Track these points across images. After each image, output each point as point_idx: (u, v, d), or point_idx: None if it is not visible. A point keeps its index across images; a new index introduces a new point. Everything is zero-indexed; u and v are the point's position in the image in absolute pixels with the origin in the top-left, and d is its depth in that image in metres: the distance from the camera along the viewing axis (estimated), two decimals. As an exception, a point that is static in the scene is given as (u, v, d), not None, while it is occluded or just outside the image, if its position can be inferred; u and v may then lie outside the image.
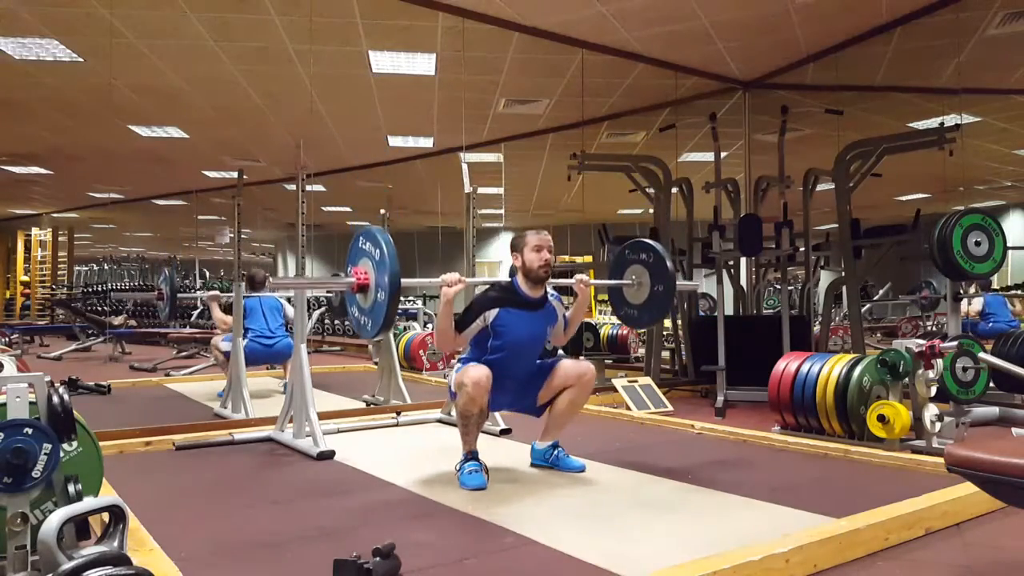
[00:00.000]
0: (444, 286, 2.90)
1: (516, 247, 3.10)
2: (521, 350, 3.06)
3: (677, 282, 3.31)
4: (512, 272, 3.14)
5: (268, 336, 5.45)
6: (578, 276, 3.19)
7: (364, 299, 2.82)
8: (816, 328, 6.03)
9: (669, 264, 3.28)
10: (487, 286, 3.14)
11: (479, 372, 2.87)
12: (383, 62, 6.52)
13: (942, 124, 5.20)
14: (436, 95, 7.47)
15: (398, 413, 4.35)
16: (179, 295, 5.61)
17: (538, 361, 3.16)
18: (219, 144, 9.76)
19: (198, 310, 11.86)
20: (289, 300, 5.58)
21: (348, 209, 15.49)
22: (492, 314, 3.00)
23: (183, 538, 2.23)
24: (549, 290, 3.17)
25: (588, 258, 13.10)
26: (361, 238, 2.86)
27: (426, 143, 9.63)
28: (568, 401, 3.13)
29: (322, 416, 3.74)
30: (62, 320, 13.23)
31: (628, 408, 4.70)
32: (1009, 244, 4.21)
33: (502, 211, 15.45)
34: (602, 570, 1.97)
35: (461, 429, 2.97)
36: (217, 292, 5.54)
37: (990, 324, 7.68)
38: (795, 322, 5.36)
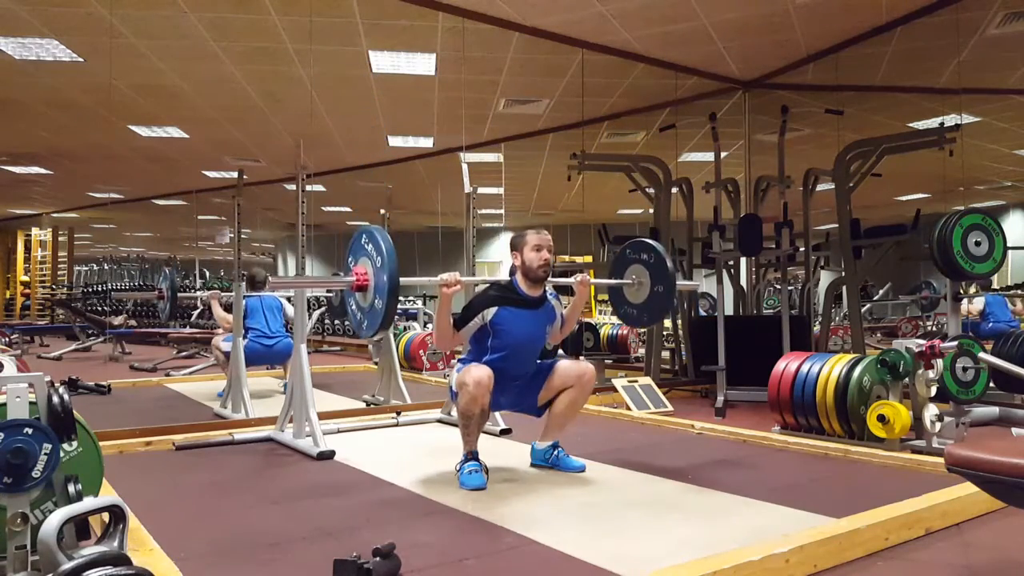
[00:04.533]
0: (443, 286, 2.91)
1: (516, 246, 3.11)
2: (521, 350, 3.06)
3: (677, 282, 3.32)
4: (512, 272, 3.15)
5: (268, 336, 5.46)
6: (579, 275, 3.20)
7: (363, 299, 2.83)
8: (816, 328, 6.02)
9: (670, 265, 3.29)
10: (486, 285, 3.14)
11: (481, 372, 2.87)
12: (383, 62, 6.52)
13: (942, 124, 5.20)
14: (436, 95, 7.46)
15: (398, 413, 4.34)
16: (180, 295, 5.61)
17: (538, 361, 3.17)
18: (219, 144, 9.75)
19: (198, 310, 11.86)
20: (289, 300, 5.59)
21: (348, 209, 15.49)
22: (491, 312, 3.01)
23: (183, 538, 2.23)
24: (548, 289, 3.18)
25: (588, 258, 13.10)
26: (364, 236, 2.86)
27: (426, 143, 9.63)
28: (568, 402, 3.14)
29: (322, 416, 3.74)
30: (62, 320, 13.22)
31: (628, 408, 4.70)
32: (1009, 244, 4.21)
33: (502, 211, 15.44)
34: (602, 570, 1.97)
35: (462, 429, 2.97)
36: (218, 291, 5.54)
37: (990, 324, 7.68)
38: (795, 322, 5.36)
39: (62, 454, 1.80)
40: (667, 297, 3.31)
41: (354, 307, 2.92)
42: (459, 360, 3.17)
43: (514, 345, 3.03)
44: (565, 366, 3.15)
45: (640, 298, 3.41)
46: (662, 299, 3.32)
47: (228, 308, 5.29)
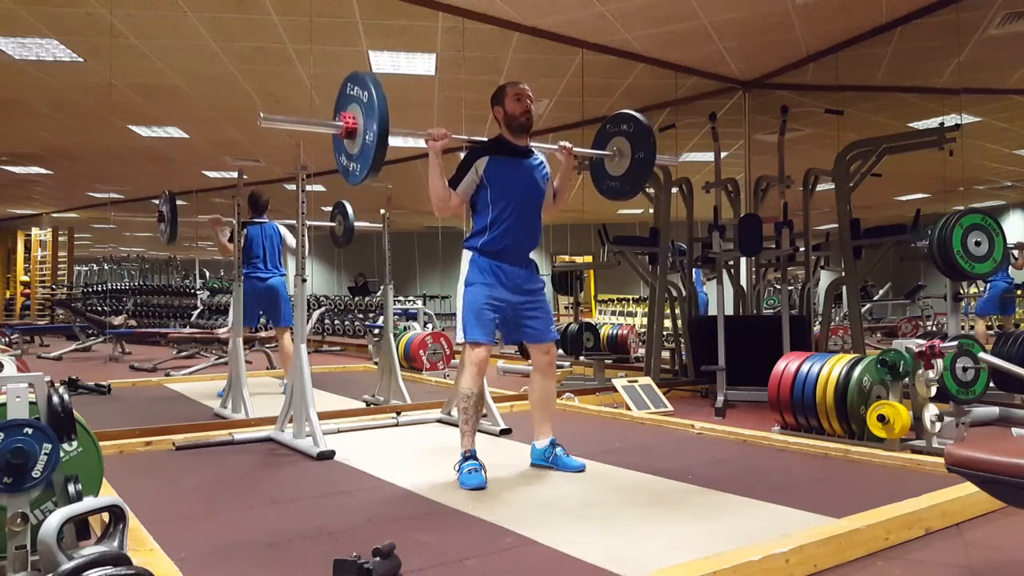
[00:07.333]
0: (430, 139, 2.92)
1: (497, 100, 3.13)
2: (521, 204, 3.06)
3: (657, 156, 3.35)
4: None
5: (263, 272, 5.33)
6: (561, 142, 3.21)
7: (352, 144, 2.82)
8: (816, 328, 6.02)
9: (650, 131, 3.33)
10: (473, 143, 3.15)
11: (480, 354, 2.98)
12: (383, 62, 6.53)
13: (942, 124, 5.20)
14: (436, 95, 7.47)
15: (398, 413, 4.34)
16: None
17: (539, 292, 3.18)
18: (219, 144, 9.76)
19: (198, 310, 11.85)
20: (291, 229, 5.42)
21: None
22: (483, 163, 3.03)
23: (183, 538, 2.23)
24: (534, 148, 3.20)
25: (588, 258, 13.11)
26: (349, 83, 2.83)
27: (426, 143, 9.62)
28: (539, 390, 3.21)
29: (322, 416, 3.74)
30: (62, 320, 13.21)
31: (628, 408, 4.69)
32: (1009, 244, 4.21)
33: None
34: (602, 570, 1.97)
35: (461, 415, 3.01)
36: (219, 216, 5.24)
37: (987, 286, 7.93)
38: (795, 322, 5.36)
39: (62, 454, 1.80)
40: (648, 163, 3.33)
41: (343, 156, 2.90)
42: (465, 243, 3.13)
43: (512, 196, 3.03)
44: (544, 342, 3.17)
45: (621, 169, 3.45)
46: (643, 165, 3.34)
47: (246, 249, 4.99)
